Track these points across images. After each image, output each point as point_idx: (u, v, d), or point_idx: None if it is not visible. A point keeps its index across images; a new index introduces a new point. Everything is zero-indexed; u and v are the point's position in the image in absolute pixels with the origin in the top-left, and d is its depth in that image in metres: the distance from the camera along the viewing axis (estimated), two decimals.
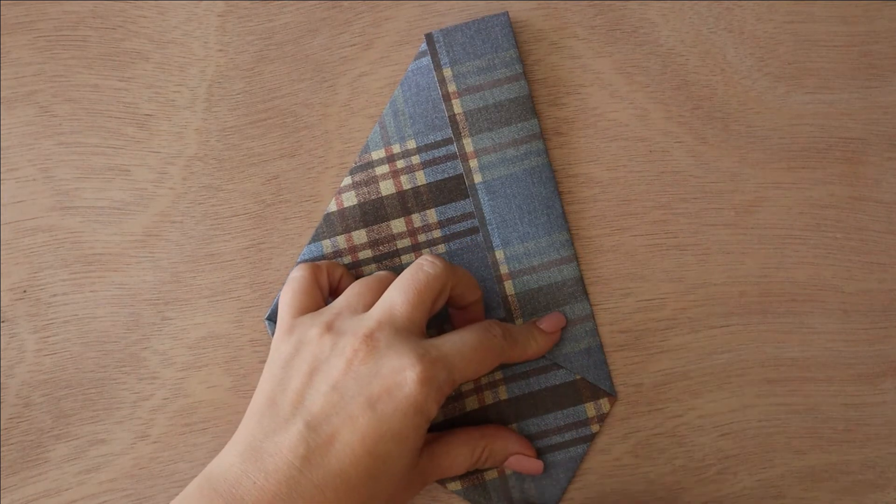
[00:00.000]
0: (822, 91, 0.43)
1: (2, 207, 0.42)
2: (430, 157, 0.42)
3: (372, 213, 0.42)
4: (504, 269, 0.41)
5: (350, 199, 0.42)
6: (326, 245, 0.41)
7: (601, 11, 0.43)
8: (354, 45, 0.43)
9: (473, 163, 0.41)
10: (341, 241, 0.41)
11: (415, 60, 0.42)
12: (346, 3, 0.43)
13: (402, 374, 0.34)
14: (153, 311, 0.42)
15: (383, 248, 0.42)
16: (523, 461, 0.40)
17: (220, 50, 0.43)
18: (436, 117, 0.42)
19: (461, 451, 0.38)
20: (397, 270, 0.41)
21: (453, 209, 0.42)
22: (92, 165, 0.43)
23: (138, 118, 0.43)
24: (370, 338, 0.35)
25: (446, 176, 0.42)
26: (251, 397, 0.42)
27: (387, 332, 0.35)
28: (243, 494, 0.33)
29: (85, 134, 0.43)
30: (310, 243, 0.42)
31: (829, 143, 0.43)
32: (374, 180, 0.42)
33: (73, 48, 0.43)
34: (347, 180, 0.42)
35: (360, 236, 0.41)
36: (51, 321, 0.42)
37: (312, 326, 0.36)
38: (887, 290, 0.42)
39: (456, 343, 0.36)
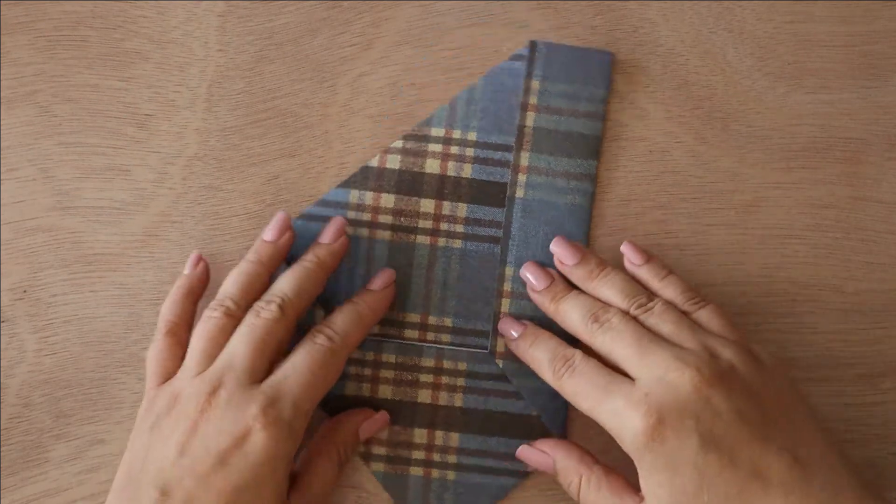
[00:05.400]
0: (822, 91, 0.43)
1: (2, 207, 0.42)
2: (484, 156, 0.42)
3: (408, 183, 0.42)
4: (507, 287, 0.41)
5: (394, 162, 0.42)
6: (353, 195, 0.41)
7: (601, 11, 0.43)
8: (354, 45, 0.43)
9: (522, 177, 0.41)
10: (369, 197, 0.41)
11: (509, 60, 0.42)
12: (346, 3, 0.43)
13: (247, 425, 0.34)
14: (153, 311, 0.42)
15: (404, 221, 0.41)
16: (371, 425, 0.40)
17: (220, 50, 0.43)
18: (505, 121, 0.42)
19: (323, 467, 0.38)
20: (409, 248, 0.41)
21: (483, 212, 0.42)
22: (92, 165, 0.43)
23: (138, 118, 0.43)
24: (212, 396, 0.35)
25: (491, 179, 0.42)
26: None
27: (228, 386, 0.35)
28: None
29: (85, 134, 0.43)
30: (338, 187, 0.42)
31: (829, 143, 0.43)
32: (424, 154, 0.42)
33: (73, 48, 0.43)
34: (398, 143, 0.42)
35: (387, 200, 0.42)
36: (51, 321, 0.42)
37: (163, 398, 0.36)
38: (887, 290, 0.42)
39: (290, 373, 0.36)
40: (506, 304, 0.41)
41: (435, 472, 0.41)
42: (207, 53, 0.43)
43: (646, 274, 0.40)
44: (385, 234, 0.42)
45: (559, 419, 0.41)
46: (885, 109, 0.43)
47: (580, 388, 0.36)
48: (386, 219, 0.41)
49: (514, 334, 0.40)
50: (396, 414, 0.41)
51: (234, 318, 0.37)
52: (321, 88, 0.43)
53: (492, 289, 0.41)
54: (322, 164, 0.43)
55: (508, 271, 0.41)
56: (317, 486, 0.38)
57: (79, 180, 0.43)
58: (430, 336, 0.41)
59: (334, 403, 0.41)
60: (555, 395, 0.40)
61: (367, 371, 0.41)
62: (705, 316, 0.38)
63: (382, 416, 0.41)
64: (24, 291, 0.42)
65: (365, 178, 0.42)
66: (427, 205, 0.42)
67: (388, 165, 0.42)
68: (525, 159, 0.41)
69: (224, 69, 0.43)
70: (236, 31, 0.43)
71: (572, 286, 0.40)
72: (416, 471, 0.41)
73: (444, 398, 0.41)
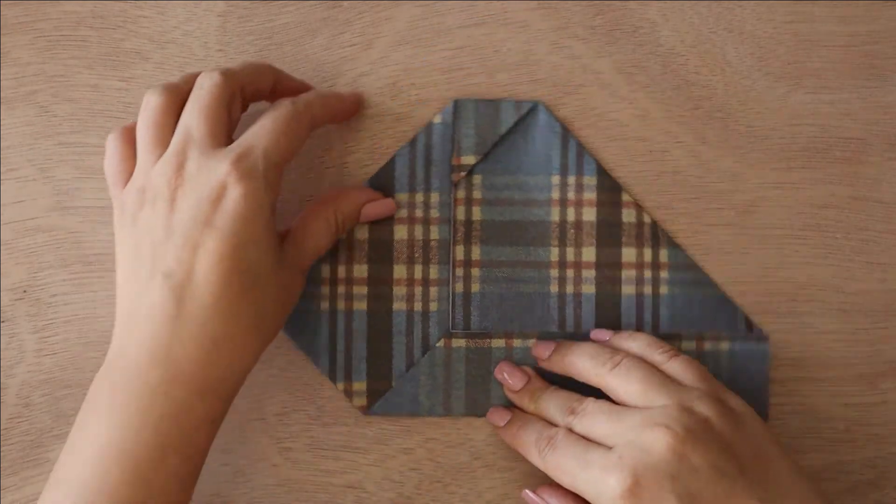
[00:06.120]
0: (822, 91, 0.43)
1: (2, 207, 0.42)
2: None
3: (609, 232, 0.42)
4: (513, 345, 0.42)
5: (628, 216, 0.42)
6: (588, 179, 0.42)
7: (601, 11, 0.43)
8: (354, 45, 0.43)
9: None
10: (589, 193, 0.42)
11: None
12: (346, 3, 0.43)
13: (221, 182, 0.34)
14: None
15: (569, 233, 0.42)
16: (376, 207, 0.40)
17: (220, 50, 0.43)
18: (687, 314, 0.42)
19: (318, 227, 0.39)
20: (545, 238, 0.42)
21: (589, 313, 0.42)
22: (92, 165, 0.43)
23: None
24: (180, 170, 0.35)
25: (627, 298, 0.42)
26: (251, 396, 0.42)
27: (193, 157, 0.35)
28: (137, 362, 0.33)
29: (85, 134, 0.43)
30: (588, 156, 0.42)
31: (829, 143, 0.43)
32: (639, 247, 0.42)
33: (73, 48, 0.43)
34: (647, 219, 0.42)
35: (588, 213, 0.42)
36: (51, 321, 0.42)
37: (130, 197, 0.36)
38: (887, 290, 0.42)
39: (255, 130, 0.36)
40: (497, 344, 0.41)
41: (326, 290, 0.41)
42: (207, 53, 0.43)
43: (615, 340, 0.40)
44: (553, 216, 0.42)
45: (393, 409, 0.41)
46: (885, 109, 0.43)
47: (560, 462, 0.36)
48: (570, 215, 0.42)
49: (501, 423, 0.40)
50: (378, 248, 0.41)
51: (175, 96, 0.37)
52: (321, 88, 0.43)
53: (519, 323, 0.42)
54: (322, 164, 0.43)
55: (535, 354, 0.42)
56: (309, 245, 0.38)
57: (79, 180, 0.43)
58: (459, 272, 0.42)
59: (380, 180, 0.42)
60: (412, 401, 0.41)
61: (419, 213, 0.42)
62: (678, 367, 0.37)
63: (389, 204, 0.41)
64: (24, 291, 0.42)
65: (603, 181, 0.42)
66: (589, 252, 0.42)
67: (629, 218, 0.42)
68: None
69: None
70: (236, 31, 0.43)
71: (547, 377, 0.41)
72: (323, 304, 0.41)
73: (398, 294, 0.41)
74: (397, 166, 0.42)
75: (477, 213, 0.42)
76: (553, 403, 0.39)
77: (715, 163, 0.43)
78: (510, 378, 0.40)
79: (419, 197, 0.42)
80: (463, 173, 0.42)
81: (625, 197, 0.42)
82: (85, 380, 0.42)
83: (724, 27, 0.43)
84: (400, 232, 0.42)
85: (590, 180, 0.42)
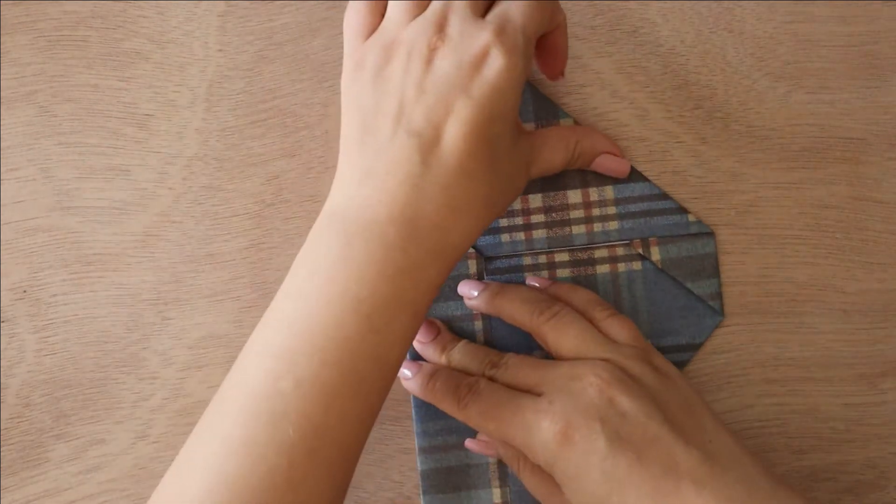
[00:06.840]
0: (822, 91, 0.43)
1: (2, 207, 0.42)
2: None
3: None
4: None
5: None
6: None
7: (601, 11, 0.43)
8: None
9: None
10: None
11: None
12: (346, 3, 0.43)
13: (485, 48, 0.33)
14: (153, 311, 0.42)
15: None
16: (610, 161, 0.41)
17: (220, 50, 0.43)
18: None
19: (557, 145, 0.39)
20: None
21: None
22: (92, 165, 0.43)
23: (138, 118, 0.43)
24: (441, 32, 0.34)
25: None
26: None
27: (454, 22, 0.34)
28: (373, 216, 0.32)
29: (85, 134, 0.43)
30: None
31: (829, 143, 0.43)
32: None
33: (73, 48, 0.43)
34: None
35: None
36: (51, 321, 0.42)
37: (374, 50, 0.35)
38: (887, 290, 0.42)
39: (512, 4, 0.34)
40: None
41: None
42: (207, 53, 0.43)
43: (555, 289, 0.40)
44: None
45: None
46: (885, 109, 0.43)
47: (486, 408, 0.36)
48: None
49: (409, 374, 0.39)
50: (552, 177, 0.42)
51: None
52: (321, 88, 0.43)
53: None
54: (322, 164, 0.43)
55: None
56: (542, 153, 0.38)
57: (79, 180, 0.43)
58: (542, 259, 0.42)
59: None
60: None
61: (595, 211, 0.42)
62: (614, 325, 0.38)
63: (625, 165, 0.41)
64: (24, 291, 0.42)
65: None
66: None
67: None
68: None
69: (224, 69, 0.43)
70: (236, 31, 0.43)
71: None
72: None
73: (513, 205, 0.42)
74: (636, 185, 0.42)
75: (603, 269, 0.42)
76: (468, 357, 0.39)
77: (715, 163, 0.43)
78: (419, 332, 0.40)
79: (611, 210, 0.42)
80: (639, 250, 0.42)
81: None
82: (85, 380, 0.42)
83: (724, 27, 0.43)
84: (573, 195, 0.42)
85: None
